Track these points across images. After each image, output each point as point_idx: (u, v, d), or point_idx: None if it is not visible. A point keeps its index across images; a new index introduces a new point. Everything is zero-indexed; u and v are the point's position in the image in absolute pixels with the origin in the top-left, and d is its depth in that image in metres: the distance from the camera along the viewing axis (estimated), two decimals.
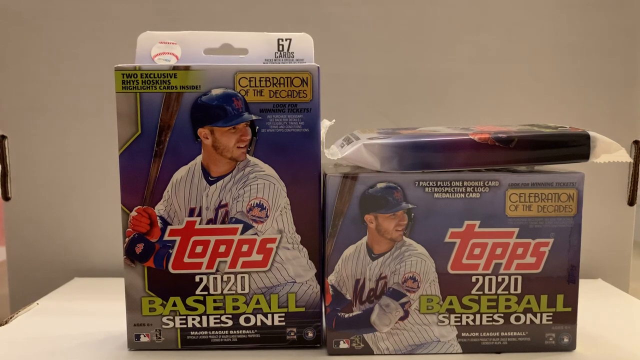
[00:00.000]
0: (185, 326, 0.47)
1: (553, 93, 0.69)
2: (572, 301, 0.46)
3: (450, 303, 0.46)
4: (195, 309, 0.46)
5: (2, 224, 0.71)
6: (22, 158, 0.69)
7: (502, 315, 0.46)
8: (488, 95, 0.69)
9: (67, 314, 0.55)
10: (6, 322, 0.53)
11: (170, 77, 0.44)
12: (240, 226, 0.46)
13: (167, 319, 0.46)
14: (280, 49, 0.48)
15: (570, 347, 0.47)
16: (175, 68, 0.44)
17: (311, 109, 0.45)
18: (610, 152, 0.45)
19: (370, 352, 0.46)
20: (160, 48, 0.47)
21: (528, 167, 0.47)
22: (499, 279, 0.46)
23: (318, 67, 0.45)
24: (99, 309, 0.57)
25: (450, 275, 0.46)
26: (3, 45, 0.68)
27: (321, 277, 0.47)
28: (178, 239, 0.46)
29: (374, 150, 0.44)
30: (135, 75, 0.44)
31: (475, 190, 0.45)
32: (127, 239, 0.46)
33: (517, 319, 0.46)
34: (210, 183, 0.45)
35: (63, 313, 0.56)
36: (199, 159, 0.45)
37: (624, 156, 0.45)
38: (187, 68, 0.44)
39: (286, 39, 0.48)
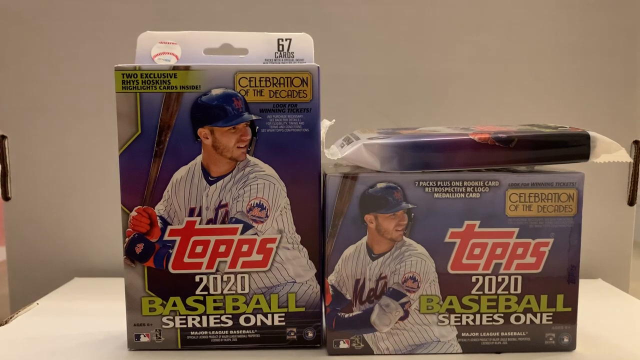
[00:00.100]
0: (185, 326, 0.47)
1: (553, 93, 0.69)
2: (572, 301, 0.46)
3: (450, 303, 0.46)
4: (195, 309, 0.46)
5: (2, 224, 0.71)
6: (22, 158, 0.69)
7: (502, 315, 0.46)
8: (488, 95, 0.69)
9: (67, 314, 0.55)
10: (6, 322, 0.53)
11: (170, 77, 0.44)
12: (240, 226, 0.46)
13: (167, 319, 0.46)
14: (280, 49, 0.48)
15: (570, 347, 0.47)
16: (175, 68, 0.44)
17: (311, 109, 0.45)
18: (610, 152, 0.45)
19: (370, 352, 0.46)
20: (160, 48, 0.47)
21: (528, 167, 0.47)
22: (499, 279, 0.46)
23: (318, 67, 0.45)
24: (99, 309, 0.57)
25: (450, 275, 0.46)
26: (3, 45, 0.68)
27: (321, 277, 0.47)
28: (178, 239, 0.46)
29: (374, 150, 0.44)
30: (135, 75, 0.44)
31: (475, 190, 0.45)
32: (127, 239, 0.46)
33: (517, 319, 0.46)
34: (210, 183, 0.45)
35: (63, 313, 0.56)
36: (199, 159, 0.45)
37: (624, 156, 0.45)
38: (187, 68, 0.44)
39: (286, 39, 0.48)
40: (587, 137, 0.45)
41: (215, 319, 0.47)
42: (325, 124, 0.47)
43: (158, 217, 0.45)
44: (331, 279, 0.46)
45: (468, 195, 0.45)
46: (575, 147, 0.45)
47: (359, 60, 0.68)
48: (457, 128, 0.49)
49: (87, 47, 0.68)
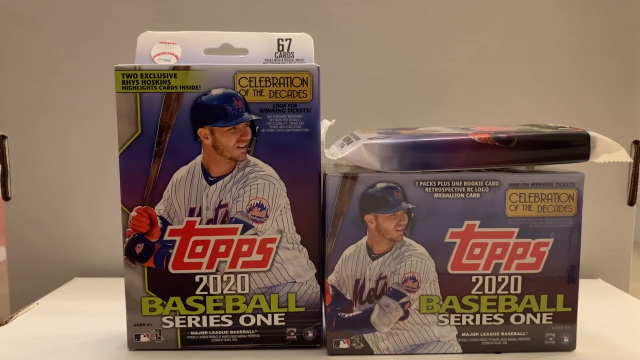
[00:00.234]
0: (185, 326, 0.47)
1: (553, 93, 0.69)
2: (572, 301, 0.46)
3: (450, 303, 0.46)
4: (195, 309, 0.46)
5: (2, 224, 0.71)
6: (22, 158, 0.69)
7: (502, 315, 0.46)
8: (488, 95, 0.69)
9: (67, 314, 0.55)
10: (6, 322, 0.53)
11: (170, 77, 0.44)
12: (240, 226, 0.46)
13: (167, 319, 0.46)
14: (280, 49, 0.48)
15: (570, 347, 0.47)
16: (175, 68, 0.44)
17: (311, 109, 0.45)
18: (610, 152, 0.45)
19: (370, 352, 0.46)
20: (160, 48, 0.47)
21: (528, 167, 0.47)
22: (499, 279, 0.46)
23: (318, 67, 0.45)
24: (99, 309, 0.57)
25: (450, 275, 0.46)
26: (3, 45, 0.68)
27: (321, 277, 0.47)
28: (178, 239, 0.46)
29: (374, 150, 0.44)
30: (135, 75, 0.44)
31: (475, 190, 0.45)
32: (127, 239, 0.46)
33: (517, 319, 0.46)
34: (210, 183, 0.45)
35: (63, 313, 0.56)
36: (199, 159, 0.45)
37: (624, 156, 0.45)
38: (187, 68, 0.44)
39: (286, 39, 0.48)
40: (587, 137, 0.45)
41: (215, 319, 0.47)
42: (325, 124, 0.47)
43: (158, 217, 0.45)
44: (331, 279, 0.46)
45: (468, 195, 0.45)
46: (575, 147, 0.45)
47: (359, 60, 0.68)
48: (457, 128, 0.49)
49: (87, 47, 0.68)
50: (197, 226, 0.46)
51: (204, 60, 0.47)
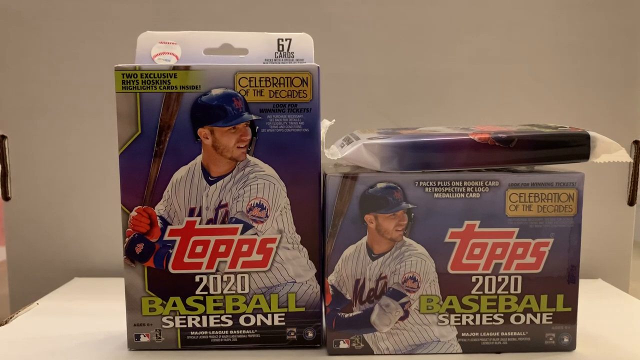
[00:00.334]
0: (185, 326, 0.47)
1: (553, 93, 0.69)
2: (572, 301, 0.46)
3: (450, 303, 0.46)
4: (195, 309, 0.46)
5: (2, 224, 0.71)
6: (22, 158, 0.69)
7: (502, 315, 0.46)
8: (488, 95, 0.69)
9: (67, 314, 0.55)
10: (6, 322, 0.53)
11: (170, 77, 0.44)
12: (240, 226, 0.46)
13: (167, 319, 0.46)
14: (280, 49, 0.48)
15: (570, 347, 0.47)
16: (175, 68, 0.44)
17: (311, 109, 0.45)
18: (610, 152, 0.45)
19: (370, 352, 0.46)
20: (160, 48, 0.47)
21: (528, 167, 0.47)
22: (499, 279, 0.46)
23: (318, 67, 0.45)
24: (99, 309, 0.57)
25: (450, 275, 0.46)
26: (3, 45, 0.68)
27: (321, 277, 0.47)
28: (178, 239, 0.46)
29: (374, 150, 0.44)
30: (135, 75, 0.44)
31: (475, 190, 0.45)
32: (127, 239, 0.46)
33: (517, 319, 0.46)
34: (210, 183, 0.45)
35: (63, 313, 0.56)
36: (199, 159, 0.45)
37: (624, 156, 0.45)
38: (187, 68, 0.44)
39: (286, 39, 0.48)
40: (587, 137, 0.45)
41: (215, 319, 0.47)
42: (325, 124, 0.47)
43: (158, 217, 0.45)
44: (331, 279, 0.46)
45: (468, 195, 0.45)
46: (575, 147, 0.45)
47: (359, 60, 0.68)
48: (457, 128, 0.49)
49: (87, 47, 0.68)
50: (197, 226, 0.46)
51: (204, 60, 0.47)
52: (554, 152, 0.45)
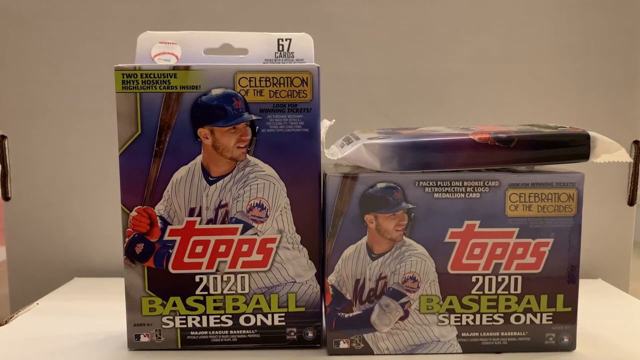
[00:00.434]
0: (185, 326, 0.47)
1: (553, 93, 0.69)
2: (572, 301, 0.46)
3: (450, 303, 0.46)
4: (195, 309, 0.46)
5: (2, 224, 0.71)
6: (22, 158, 0.69)
7: (502, 315, 0.46)
8: (488, 95, 0.69)
9: (67, 314, 0.55)
10: (6, 322, 0.53)
11: (170, 77, 0.44)
12: (240, 226, 0.46)
13: (167, 319, 0.46)
14: (280, 49, 0.48)
15: (570, 347, 0.47)
16: (175, 68, 0.44)
17: (311, 109, 0.45)
18: (610, 152, 0.45)
19: (370, 352, 0.46)
20: (160, 48, 0.47)
21: (528, 167, 0.47)
22: (499, 279, 0.46)
23: (318, 67, 0.45)
24: (99, 309, 0.57)
25: (450, 275, 0.46)
26: (3, 45, 0.68)
27: (321, 277, 0.47)
28: (178, 239, 0.46)
29: (374, 150, 0.44)
30: (135, 75, 0.44)
31: (475, 190, 0.45)
32: (127, 239, 0.46)
33: (517, 319, 0.46)
34: (210, 183, 0.45)
35: (63, 313, 0.56)
36: (199, 159, 0.45)
37: (624, 156, 0.45)
38: (187, 68, 0.44)
39: (286, 39, 0.48)
40: (587, 137, 0.45)
41: (215, 319, 0.47)
42: (325, 124, 0.47)
43: (158, 217, 0.45)
44: (331, 279, 0.46)
45: (468, 195, 0.45)
46: (575, 147, 0.45)
47: (359, 60, 0.68)
48: (457, 128, 0.49)
49: (87, 47, 0.68)
50: (197, 226, 0.46)
51: (204, 60, 0.47)
52: (554, 152, 0.45)
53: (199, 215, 0.46)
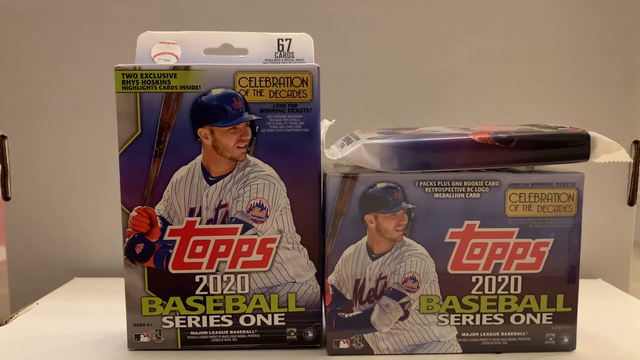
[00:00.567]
0: (185, 326, 0.47)
1: (553, 93, 0.69)
2: (572, 301, 0.46)
3: (450, 303, 0.46)
4: (195, 309, 0.46)
5: (2, 224, 0.71)
6: (22, 158, 0.69)
7: (502, 315, 0.46)
8: (488, 95, 0.69)
9: (67, 314, 0.55)
10: (6, 322, 0.53)
11: (170, 77, 0.44)
12: (240, 226, 0.46)
13: (167, 319, 0.46)
14: (280, 49, 0.48)
15: (570, 347, 0.47)
16: (175, 68, 0.44)
17: (311, 109, 0.45)
18: (610, 152, 0.45)
19: (370, 352, 0.46)
20: (160, 48, 0.47)
21: (528, 167, 0.47)
22: (499, 279, 0.46)
23: (318, 67, 0.45)
24: (99, 309, 0.57)
25: (450, 275, 0.46)
26: (3, 45, 0.68)
27: (321, 277, 0.47)
28: (178, 239, 0.46)
29: (374, 150, 0.44)
30: (135, 75, 0.44)
31: (475, 190, 0.45)
32: (127, 239, 0.46)
33: (517, 319, 0.46)
34: (210, 183, 0.45)
35: (63, 313, 0.56)
36: (199, 159, 0.45)
37: (624, 156, 0.45)
38: (187, 68, 0.44)
39: (286, 39, 0.48)
40: (587, 137, 0.45)
41: (215, 319, 0.47)
42: (325, 124, 0.47)
43: (158, 217, 0.45)
44: (331, 279, 0.46)
45: (468, 195, 0.45)
46: (575, 147, 0.45)
47: (359, 60, 0.68)
48: (457, 128, 0.49)
49: (87, 47, 0.68)
50: (197, 226, 0.46)
51: (204, 60, 0.47)
52: (554, 152, 0.45)
53: (199, 215, 0.46)
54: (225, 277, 0.46)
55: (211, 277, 0.46)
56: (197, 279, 0.46)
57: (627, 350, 0.47)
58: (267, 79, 0.45)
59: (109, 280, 0.67)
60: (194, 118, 0.44)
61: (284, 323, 0.47)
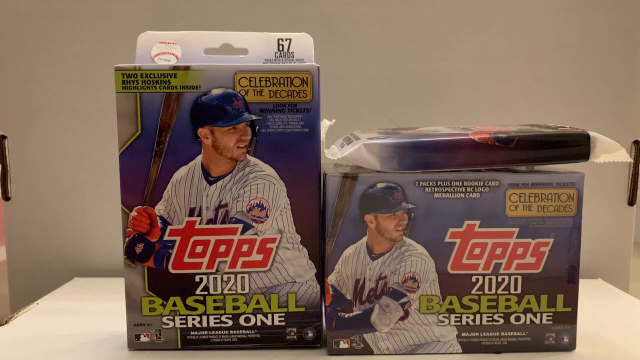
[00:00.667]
0: (185, 326, 0.47)
1: (553, 93, 0.69)
2: (572, 301, 0.46)
3: (450, 303, 0.46)
4: (195, 309, 0.46)
5: (2, 224, 0.71)
6: (22, 158, 0.69)
7: (502, 315, 0.46)
8: (488, 95, 0.69)
9: (67, 314, 0.55)
10: (6, 322, 0.53)
11: (170, 77, 0.44)
12: (240, 226, 0.46)
13: (167, 319, 0.46)
14: (280, 49, 0.48)
15: (570, 347, 0.47)
16: (175, 68, 0.44)
17: (311, 109, 0.45)
18: (610, 152, 0.45)
19: (370, 352, 0.46)
20: (160, 48, 0.47)
21: (528, 167, 0.47)
22: (499, 279, 0.46)
23: (318, 67, 0.45)
24: (99, 309, 0.57)
25: (450, 275, 0.46)
26: (3, 45, 0.68)
27: (321, 277, 0.47)
28: (178, 239, 0.46)
29: (374, 150, 0.44)
30: (135, 75, 0.44)
31: (475, 190, 0.45)
32: (127, 239, 0.46)
33: (517, 319, 0.46)
34: (210, 183, 0.45)
35: (63, 313, 0.56)
36: (199, 159, 0.45)
37: (624, 156, 0.45)
38: (187, 68, 0.44)
39: (286, 39, 0.48)
40: (587, 137, 0.45)
41: (215, 319, 0.47)
42: (325, 124, 0.47)
43: (158, 217, 0.45)
44: (331, 279, 0.46)
45: (468, 195, 0.45)
46: (575, 147, 0.45)
47: (359, 60, 0.68)
48: (457, 128, 0.49)
49: (87, 47, 0.68)
50: (197, 226, 0.46)
51: (204, 60, 0.47)
52: (554, 152, 0.45)
53: (199, 215, 0.46)
54: (225, 277, 0.46)
55: (211, 277, 0.46)
56: (197, 279, 0.46)
57: (627, 350, 0.47)
58: (267, 79, 0.45)
59: (109, 280, 0.67)
60: (194, 118, 0.45)
61: (284, 323, 0.47)
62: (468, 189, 0.45)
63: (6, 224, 0.70)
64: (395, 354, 0.46)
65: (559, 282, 0.46)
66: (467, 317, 0.46)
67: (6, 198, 0.70)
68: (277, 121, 0.45)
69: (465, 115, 0.68)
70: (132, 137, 0.45)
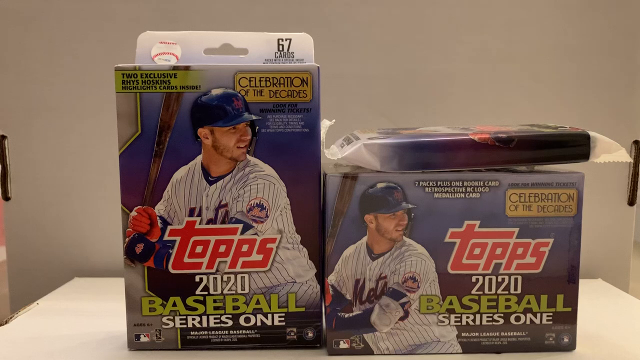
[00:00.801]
0: (185, 326, 0.47)
1: (553, 93, 0.69)
2: (572, 301, 0.46)
3: (450, 303, 0.46)
4: (195, 309, 0.46)
5: (2, 224, 0.71)
6: (22, 158, 0.69)
7: (502, 315, 0.46)
8: (488, 95, 0.69)
9: (67, 314, 0.56)
10: (6, 322, 0.53)
11: (170, 77, 0.44)
12: (240, 226, 0.46)
13: (167, 319, 0.46)
14: (280, 49, 0.48)
15: (570, 347, 0.47)
16: (175, 68, 0.44)
17: (311, 109, 0.45)
18: (610, 152, 0.45)
19: (370, 352, 0.46)
20: (160, 48, 0.47)
21: (528, 167, 0.47)
22: (499, 279, 0.46)
23: (318, 67, 0.45)
24: (99, 309, 0.57)
25: (450, 275, 0.46)
26: (3, 45, 0.68)
27: (321, 277, 0.47)
28: (178, 239, 0.46)
29: (374, 150, 0.44)
30: (135, 75, 0.44)
31: (475, 190, 0.45)
32: (127, 239, 0.46)
33: (517, 319, 0.46)
34: (210, 183, 0.45)
35: (63, 313, 0.56)
36: (199, 159, 0.45)
37: (624, 156, 0.45)
38: (187, 68, 0.44)
39: (286, 39, 0.48)
40: (587, 137, 0.45)
41: (215, 319, 0.47)
42: (325, 124, 0.47)
43: (158, 217, 0.45)
44: (331, 279, 0.46)
45: (468, 195, 0.45)
46: (575, 147, 0.45)
47: (359, 60, 0.68)
48: (457, 128, 0.49)
49: (87, 47, 0.68)
50: (197, 226, 0.46)
51: (204, 60, 0.47)
52: (554, 152, 0.45)
53: (199, 215, 0.46)
54: (225, 277, 0.46)
55: (211, 277, 0.46)
56: (197, 279, 0.46)
57: (627, 350, 0.47)
58: (267, 79, 0.45)
59: (109, 280, 0.67)
60: (194, 118, 0.45)
61: (284, 323, 0.47)
62: (468, 189, 0.45)
63: (6, 224, 0.70)
64: (395, 354, 0.46)
65: (559, 282, 0.46)
66: (467, 317, 0.46)
67: (6, 198, 0.70)
68: (277, 121, 0.45)
69: (465, 115, 0.68)
70: (132, 137, 0.45)
